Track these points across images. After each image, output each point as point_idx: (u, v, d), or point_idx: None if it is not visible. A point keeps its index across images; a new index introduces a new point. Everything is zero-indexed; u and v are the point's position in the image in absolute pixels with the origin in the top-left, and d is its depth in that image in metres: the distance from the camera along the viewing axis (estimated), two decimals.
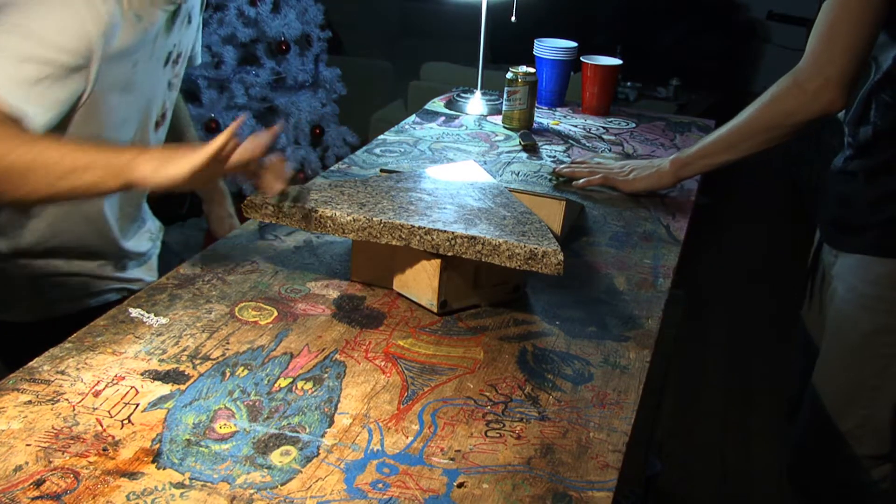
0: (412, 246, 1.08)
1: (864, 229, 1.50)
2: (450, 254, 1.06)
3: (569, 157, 1.76)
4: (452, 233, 1.05)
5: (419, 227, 1.07)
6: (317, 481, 0.80)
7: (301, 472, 0.81)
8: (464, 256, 1.05)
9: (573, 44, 2.05)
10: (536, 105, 2.12)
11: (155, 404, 0.89)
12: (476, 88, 2.06)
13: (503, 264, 1.03)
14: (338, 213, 1.11)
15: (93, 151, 1.05)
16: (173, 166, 1.02)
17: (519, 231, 1.06)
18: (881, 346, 1.51)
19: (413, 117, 1.98)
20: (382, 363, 1.00)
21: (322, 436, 0.86)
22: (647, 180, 1.55)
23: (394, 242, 1.08)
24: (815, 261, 1.67)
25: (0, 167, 1.02)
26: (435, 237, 1.06)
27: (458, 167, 1.40)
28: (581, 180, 1.57)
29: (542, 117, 2.02)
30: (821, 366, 1.59)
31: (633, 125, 2.01)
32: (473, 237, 1.04)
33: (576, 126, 1.95)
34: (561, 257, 1.01)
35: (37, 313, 1.36)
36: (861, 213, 1.50)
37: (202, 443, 0.84)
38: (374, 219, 1.09)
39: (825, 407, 1.57)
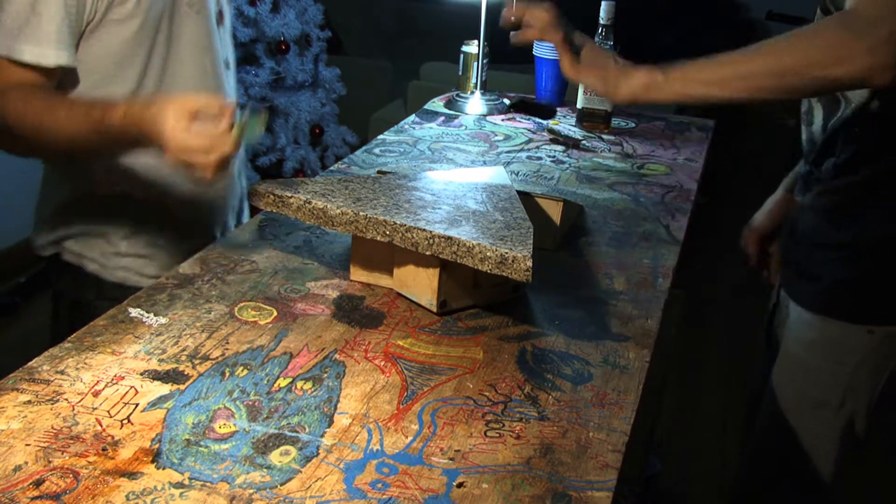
0: (395, 242, 1.08)
1: (814, 279, 1.36)
2: (428, 253, 1.06)
3: (568, 156, 1.76)
4: (431, 232, 1.05)
5: (401, 225, 1.07)
6: (316, 481, 0.80)
7: (300, 471, 0.81)
8: (441, 256, 1.05)
9: None
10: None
11: (154, 404, 0.89)
12: (476, 89, 2.06)
13: (476, 266, 1.03)
14: (329, 206, 1.12)
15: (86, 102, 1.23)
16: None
17: (500, 235, 1.06)
18: (810, 419, 1.38)
19: (413, 117, 1.98)
20: (382, 363, 1.00)
21: (321, 436, 0.86)
22: (595, 77, 1.23)
23: (378, 238, 1.09)
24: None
25: (22, 126, 1.21)
26: (415, 235, 1.06)
27: (483, 172, 1.39)
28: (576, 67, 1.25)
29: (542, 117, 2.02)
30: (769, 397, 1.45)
31: (633, 125, 2.01)
32: (450, 237, 1.04)
33: (575, 126, 1.95)
34: (529, 264, 1.00)
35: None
36: (814, 261, 1.36)
37: (202, 443, 0.84)
38: (360, 213, 1.10)
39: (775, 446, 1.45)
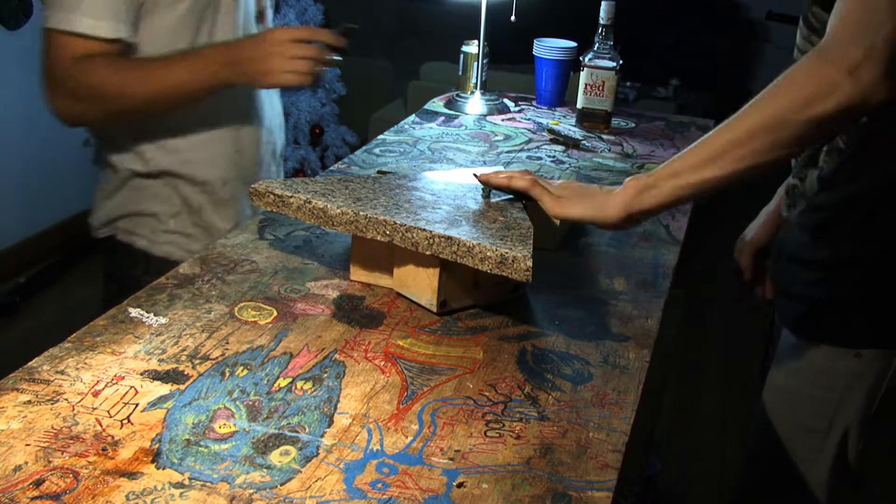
0: (395, 242, 1.08)
1: (798, 300, 1.30)
2: (428, 252, 1.06)
3: (568, 156, 1.76)
4: (431, 231, 1.05)
5: (401, 225, 1.07)
6: (316, 481, 0.80)
7: (300, 471, 0.81)
8: (441, 256, 1.05)
9: (573, 44, 2.05)
10: (536, 105, 2.13)
11: (154, 404, 0.89)
12: (476, 89, 2.06)
13: (476, 266, 1.03)
14: (329, 206, 1.12)
15: (185, 57, 1.39)
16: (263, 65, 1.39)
17: (500, 235, 1.06)
18: (801, 448, 1.33)
19: (412, 117, 1.98)
20: (382, 363, 1.00)
21: (321, 436, 0.86)
22: (583, 206, 1.10)
23: (378, 238, 1.09)
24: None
25: (104, 90, 1.37)
26: (415, 235, 1.06)
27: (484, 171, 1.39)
28: (496, 176, 1.18)
29: (542, 117, 2.02)
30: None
31: (633, 125, 2.01)
32: (450, 237, 1.04)
33: (575, 126, 1.95)
34: (529, 264, 1.00)
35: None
36: (798, 282, 1.31)
37: (202, 443, 0.84)
38: (360, 213, 1.10)
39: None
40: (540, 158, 1.74)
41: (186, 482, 0.78)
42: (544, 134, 1.89)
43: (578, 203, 1.10)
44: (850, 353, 1.25)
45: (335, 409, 0.90)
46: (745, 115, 1.02)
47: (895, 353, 1.24)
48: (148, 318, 1.06)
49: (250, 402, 0.91)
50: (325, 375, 0.96)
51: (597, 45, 1.88)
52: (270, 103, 1.67)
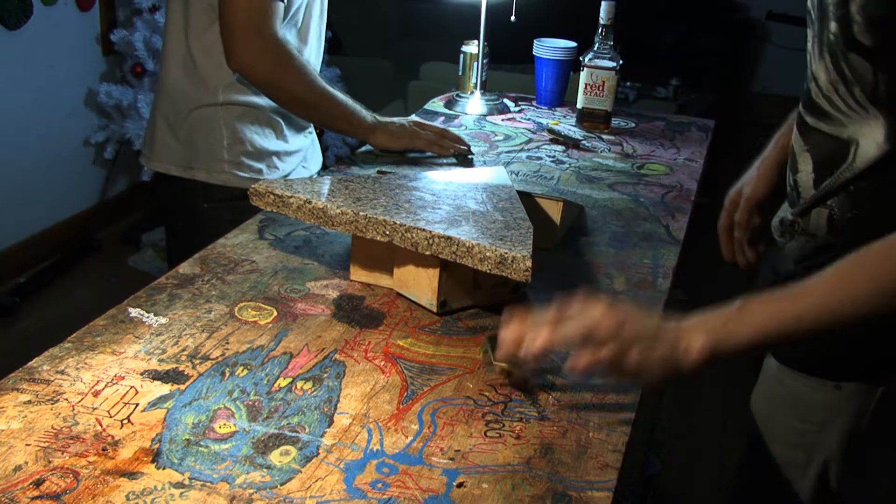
0: (395, 242, 1.08)
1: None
2: (428, 253, 1.06)
3: (568, 156, 1.76)
4: (430, 232, 1.05)
5: (401, 225, 1.07)
6: (316, 481, 0.80)
7: (301, 471, 0.81)
8: (441, 256, 1.05)
9: (573, 44, 2.05)
10: (536, 105, 2.13)
11: (154, 404, 0.89)
12: (476, 89, 2.06)
13: (476, 266, 1.03)
14: (329, 206, 1.12)
15: (349, 110, 1.65)
16: (396, 142, 1.69)
17: (500, 235, 1.06)
18: (783, 472, 1.24)
19: (413, 117, 1.98)
20: (382, 363, 1.00)
21: (321, 436, 0.86)
22: (660, 363, 0.88)
23: (378, 238, 1.09)
24: None
25: (295, 96, 1.58)
26: (414, 235, 1.06)
27: (483, 172, 1.39)
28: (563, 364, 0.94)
29: (542, 117, 2.02)
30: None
31: (633, 125, 2.01)
32: (450, 237, 1.04)
33: (575, 126, 1.95)
34: (529, 264, 1.00)
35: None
36: None
37: (202, 443, 0.84)
38: (360, 213, 1.10)
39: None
40: (540, 158, 1.74)
41: (186, 482, 0.78)
42: (544, 134, 1.89)
43: (653, 362, 0.88)
44: (830, 384, 1.17)
45: (335, 409, 0.90)
46: (849, 267, 0.91)
47: (876, 387, 1.16)
48: (148, 318, 1.06)
49: (250, 402, 0.91)
50: (325, 375, 0.96)
51: (597, 45, 1.88)
52: None
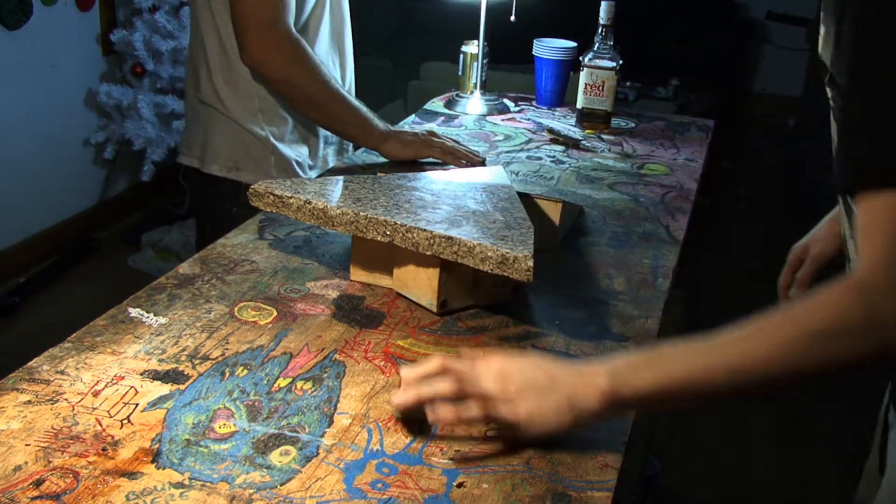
0: (396, 243, 1.08)
1: None
2: (428, 253, 1.06)
3: (568, 156, 1.76)
4: (431, 232, 1.05)
5: (402, 225, 1.07)
6: (316, 481, 0.80)
7: (300, 471, 0.81)
8: (441, 256, 1.05)
9: (573, 44, 2.05)
10: (536, 105, 2.13)
11: (154, 404, 0.89)
12: (476, 89, 2.06)
13: (477, 266, 1.03)
14: (329, 206, 1.12)
15: (361, 116, 1.62)
16: (409, 151, 1.64)
17: (500, 235, 1.06)
18: None
19: (413, 117, 1.98)
20: (382, 363, 1.00)
21: (321, 436, 0.86)
22: (555, 412, 0.84)
23: (378, 238, 1.09)
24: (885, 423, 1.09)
25: (308, 95, 1.57)
26: (415, 235, 1.06)
27: (482, 171, 1.39)
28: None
29: (542, 117, 2.02)
30: None
31: (633, 125, 2.01)
32: (451, 238, 1.04)
33: (575, 126, 1.95)
34: (531, 264, 1.00)
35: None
36: None
37: (202, 443, 0.84)
38: (361, 213, 1.10)
39: None
40: (540, 158, 1.74)
41: (186, 482, 0.78)
42: (544, 134, 1.89)
43: (540, 416, 0.84)
44: None
45: (335, 409, 0.90)
46: (757, 332, 0.86)
47: None
48: (148, 318, 1.06)
49: (250, 402, 0.91)
50: (325, 375, 0.96)
51: (597, 45, 1.88)
52: None
